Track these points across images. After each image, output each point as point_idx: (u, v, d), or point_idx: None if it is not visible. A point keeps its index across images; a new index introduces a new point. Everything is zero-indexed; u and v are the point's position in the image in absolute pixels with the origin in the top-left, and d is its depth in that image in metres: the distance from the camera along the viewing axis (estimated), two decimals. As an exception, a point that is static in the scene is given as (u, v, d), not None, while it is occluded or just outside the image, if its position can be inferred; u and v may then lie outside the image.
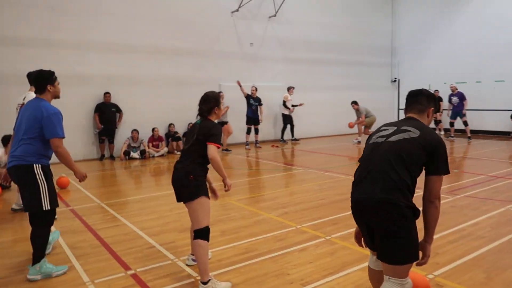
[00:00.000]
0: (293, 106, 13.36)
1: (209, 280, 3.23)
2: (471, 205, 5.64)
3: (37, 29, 9.81)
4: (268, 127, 13.95)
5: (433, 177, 2.36)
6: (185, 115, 12.11)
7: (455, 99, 13.55)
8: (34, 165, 3.51)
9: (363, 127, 12.92)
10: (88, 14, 10.45)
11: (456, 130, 14.15)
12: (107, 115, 10.59)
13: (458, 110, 13.45)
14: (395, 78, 18.19)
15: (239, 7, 12.90)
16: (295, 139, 13.69)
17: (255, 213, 5.48)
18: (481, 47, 14.91)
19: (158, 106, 11.72)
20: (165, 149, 11.32)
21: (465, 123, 13.33)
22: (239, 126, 12.53)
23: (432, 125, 14.77)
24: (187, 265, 3.79)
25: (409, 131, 2.40)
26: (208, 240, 3.31)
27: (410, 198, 2.31)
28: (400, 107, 17.20)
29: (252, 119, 12.33)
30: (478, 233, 4.50)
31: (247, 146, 12.56)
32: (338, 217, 5.17)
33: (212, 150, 3.28)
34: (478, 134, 14.68)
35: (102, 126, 10.51)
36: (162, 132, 11.63)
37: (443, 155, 2.36)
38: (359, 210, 2.42)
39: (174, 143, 11.52)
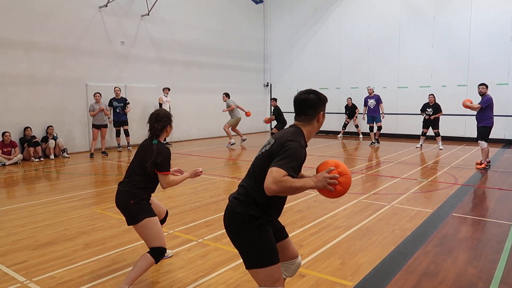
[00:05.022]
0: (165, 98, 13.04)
1: None
2: (331, 199, 6.23)
3: None
4: (143, 130, 13.35)
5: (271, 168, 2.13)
6: (42, 117, 10.84)
7: (372, 101, 13.14)
8: None
9: (230, 129, 13.22)
10: None
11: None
12: None
13: (375, 115, 13.10)
14: (268, 83, 19.27)
15: (108, 2, 12.08)
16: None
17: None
18: (338, 58, 16.80)
19: (10, 107, 10.24)
20: (19, 155, 9.94)
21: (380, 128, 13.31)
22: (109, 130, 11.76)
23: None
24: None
25: (268, 143, 2.38)
26: (156, 262, 3.25)
27: (255, 208, 2.34)
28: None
29: (117, 122, 11.77)
30: (335, 224, 4.99)
31: (119, 149, 11.89)
32: (211, 219, 5.19)
33: (163, 181, 3.34)
34: (352, 135, 16.45)
35: None
36: (15, 136, 10.19)
37: (287, 151, 2.17)
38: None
39: (32, 149, 10.18)
